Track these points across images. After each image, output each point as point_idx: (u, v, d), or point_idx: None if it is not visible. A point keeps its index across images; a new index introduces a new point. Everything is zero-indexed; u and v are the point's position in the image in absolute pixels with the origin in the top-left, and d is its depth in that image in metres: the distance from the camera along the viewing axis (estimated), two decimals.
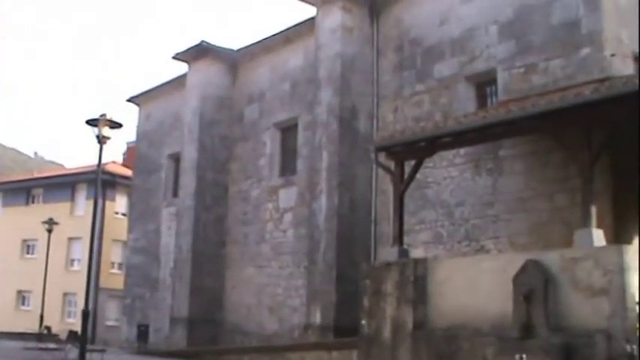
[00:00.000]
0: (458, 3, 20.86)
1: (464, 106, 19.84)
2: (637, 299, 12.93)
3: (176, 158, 31.11)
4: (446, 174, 19.95)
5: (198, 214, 27.59)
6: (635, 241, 15.95)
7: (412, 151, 16.92)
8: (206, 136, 28.12)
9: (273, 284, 25.14)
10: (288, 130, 26.18)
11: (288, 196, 25.24)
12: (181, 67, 30.04)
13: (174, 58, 29.21)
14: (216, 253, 27.57)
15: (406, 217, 18.07)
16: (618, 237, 15.38)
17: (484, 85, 20.16)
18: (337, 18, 22.96)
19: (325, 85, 22.82)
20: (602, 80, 15.32)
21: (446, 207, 19.87)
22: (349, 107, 22.43)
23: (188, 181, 28.20)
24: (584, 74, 17.33)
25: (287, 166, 26.03)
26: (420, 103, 21.24)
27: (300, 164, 24.78)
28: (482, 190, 19.07)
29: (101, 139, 18.44)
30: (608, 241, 14.24)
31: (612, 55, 17.42)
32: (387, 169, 17.45)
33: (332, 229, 21.75)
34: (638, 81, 13.32)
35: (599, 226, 14.09)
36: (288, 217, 25.10)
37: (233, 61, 28.59)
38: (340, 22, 22.85)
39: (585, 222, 14.05)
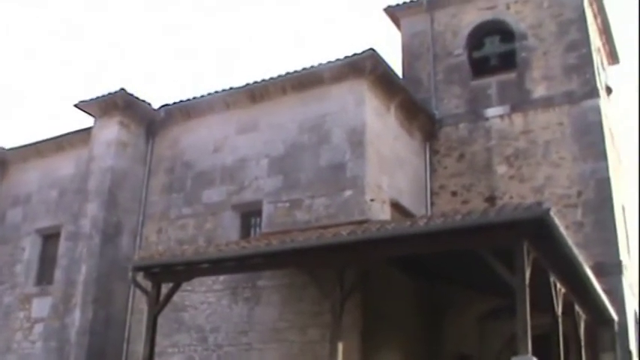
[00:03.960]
0: (234, 133, 21.43)
1: (228, 234, 20.18)
2: None
3: None
4: (203, 299, 19.95)
5: None
6: None
7: (171, 274, 16.91)
8: None
9: None
10: (50, 238, 25.24)
11: (41, 307, 24.12)
12: None
13: None
14: None
15: (160, 339, 17.89)
16: None
17: (250, 215, 20.62)
18: (114, 132, 22.88)
19: (93, 197, 22.46)
20: (360, 222, 16.16)
21: (200, 332, 19.79)
22: (114, 223, 22.14)
23: None
24: (346, 215, 18.21)
25: (44, 275, 24.95)
26: (185, 227, 21.37)
27: (58, 274, 23.81)
28: (237, 318, 19.21)
29: None
30: None
31: (372, 199, 18.47)
32: (143, 289, 17.28)
33: (83, 344, 20.97)
34: (390, 226, 14.13)
35: None
36: (39, 327, 23.92)
37: (3, 160, 27.62)
38: (116, 136, 22.78)
39: (332, 357, 14.53)
